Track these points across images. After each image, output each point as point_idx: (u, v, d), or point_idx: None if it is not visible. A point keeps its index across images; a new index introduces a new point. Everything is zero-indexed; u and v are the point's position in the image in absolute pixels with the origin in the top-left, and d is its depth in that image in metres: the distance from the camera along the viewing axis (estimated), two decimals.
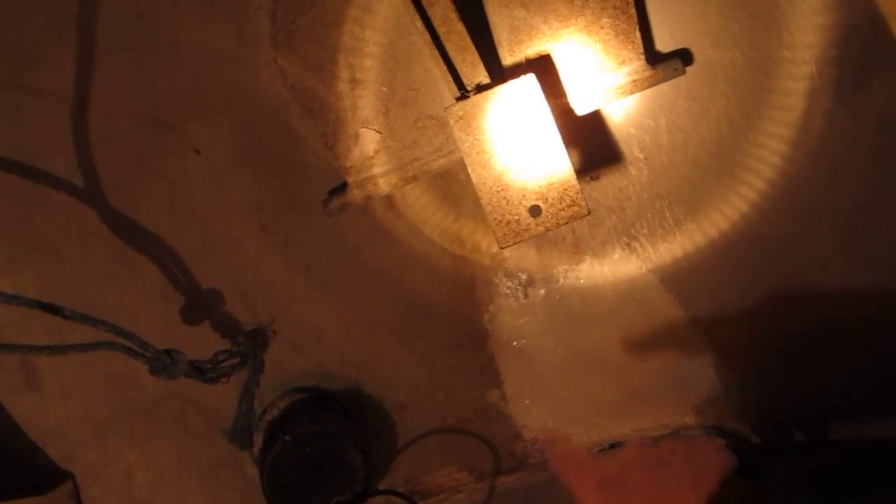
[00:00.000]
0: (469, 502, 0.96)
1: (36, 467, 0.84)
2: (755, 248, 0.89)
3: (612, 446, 0.95)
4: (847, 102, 0.83)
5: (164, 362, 0.73)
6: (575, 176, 0.78)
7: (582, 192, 0.78)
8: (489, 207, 0.80)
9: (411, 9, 0.77)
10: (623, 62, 0.81)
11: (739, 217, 0.89)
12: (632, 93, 0.82)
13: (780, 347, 0.91)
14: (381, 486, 0.94)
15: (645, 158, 0.88)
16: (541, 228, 0.79)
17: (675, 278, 0.91)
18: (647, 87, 0.82)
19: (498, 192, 0.79)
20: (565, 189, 0.78)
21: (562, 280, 0.92)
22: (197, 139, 0.85)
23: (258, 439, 0.89)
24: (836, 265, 0.89)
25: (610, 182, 0.89)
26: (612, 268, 0.91)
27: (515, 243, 0.81)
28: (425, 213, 0.89)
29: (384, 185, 0.85)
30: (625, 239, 0.90)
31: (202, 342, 0.86)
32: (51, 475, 0.84)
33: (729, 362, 0.92)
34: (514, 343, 0.93)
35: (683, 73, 0.81)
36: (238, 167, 0.86)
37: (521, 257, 0.91)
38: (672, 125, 0.87)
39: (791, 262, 0.89)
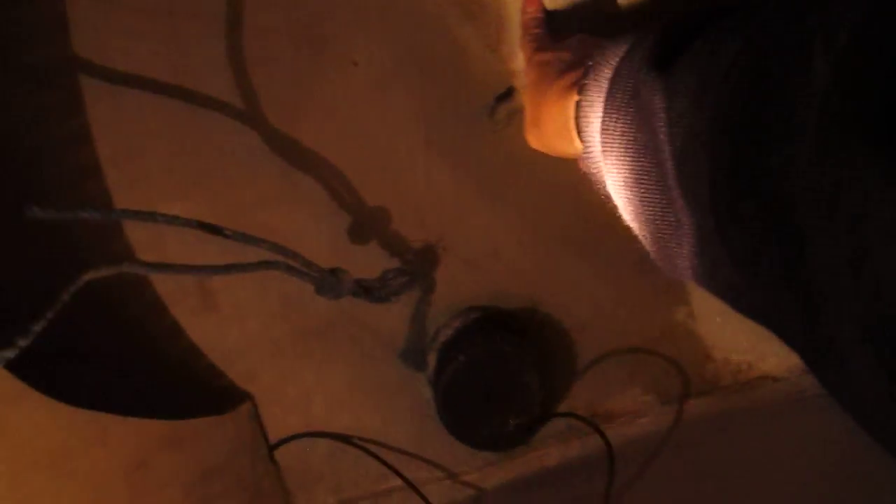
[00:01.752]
0: (655, 426, 0.90)
1: (218, 388, 0.86)
2: None
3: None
4: None
5: (329, 281, 0.71)
6: None
7: None
8: None
9: None
10: None
11: None
12: None
13: None
14: (561, 409, 0.90)
15: None
16: None
17: None
18: None
19: None
20: None
21: None
22: (354, 52, 0.81)
23: (432, 360, 0.87)
24: None
25: None
26: None
27: None
28: None
29: None
30: None
31: (371, 262, 0.84)
32: (232, 396, 0.86)
33: None
34: None
35: None
36: (399, 79, 0.82)
37: None
38: None
39: None
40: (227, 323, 0.86)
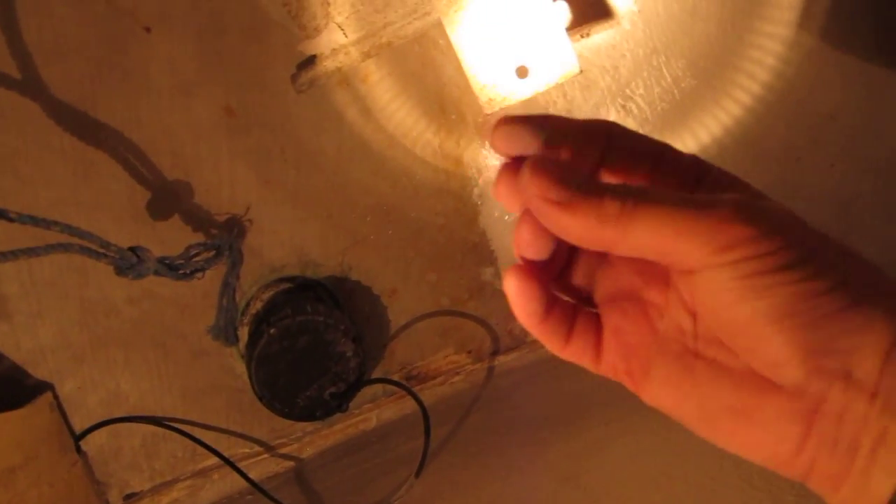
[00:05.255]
0: (468, 384, 0.95)
1: (22, 388, 0.83)
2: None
3: None
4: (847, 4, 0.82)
5: (129, 261, 0.69)
6: (564, 31, 0.73)
7: (572, 49, 0.73)
8: (472, 71, 0.76)
9: None
10: None
11: (732, 121, 0.86)
12: None
13: None
14: (376, 374, 0.92)
15: (639, 10, 0.83)
16: (529, 90, 0.75)
17: (675, 140, 0.87)
18: None
19: (481, 53, 0.75)
20: (554, 46, 0.74)
21: None
22: (146, 16, 0.79)
23: (243, 334, 0.87)
24: (836, 170, 0.88)
25: (602, 39, 0.84)
26: None
27: (502, 108, 0.77)
28: (404, 83, 0.84)
29: (356, 54, 0.80)
30: (619, 100, 0.86)
31: (174, 238, 0.83)
32: (33, 393, 0.82)
33: None
34: (507, 217, 0.90)
35: None
36: (195, 45, 0.80)
37: None
38: None
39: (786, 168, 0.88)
40: (19, 331, 0.82)
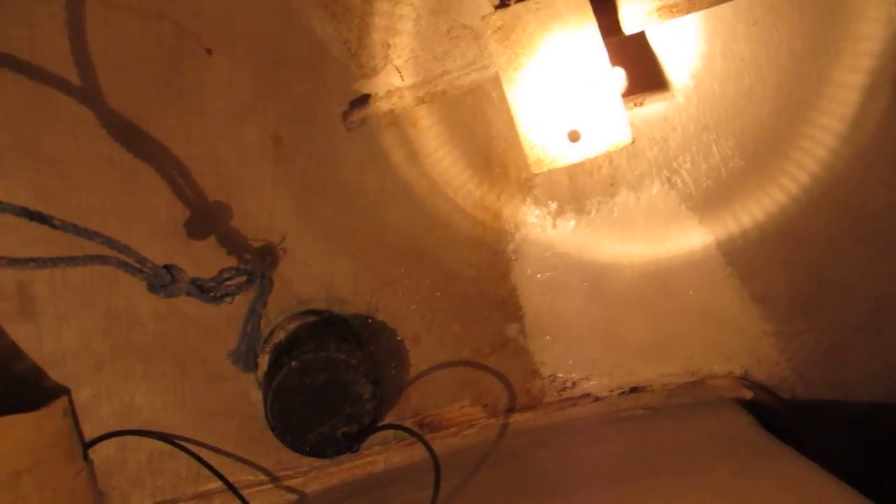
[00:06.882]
0: (480, 438, 0.94)
1: (39, 389, 0.83)
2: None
3: (634, 390, 0.93)
4: None
5: (163, 279, 0.70)
6: (621, 100, 0.74)
7: (626, 119, 0.74)
8: (524, 130, 0.76)
9: None
10: None
11: (776, 207, 0.87)
12: (687, 12, 0.77)
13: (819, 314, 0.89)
14: (390, 417, 0.92)
15: (695, 86, 0.84)
16: (579, 155, 0.75)
17: (716, 219, 0.87)
18: (705, 8, 0.77)
19: (534, 112, 0.75)
20: (608, 114, 0.74)
21: (594, 212, 0.88)
22: (209, 38, 0.80)
23: (263, 362, 0.87)
24: (874, 267, 0.88)
25: (654, 110, 0.85)
26: (649, 203, 0.87)
27: (550, 169, 0.77)
28: (453, 132, 0.85)
29: (410, 98, 0.81)
30: (665, 173, 0.86)
31: (209, 259, 0.84)
32: (49, 396, 0.83)
33: (764, 310, 0.89)
34: (539, 276, 0.89)
35: None
36: (252, 71, 0.82)
37: (552, 185, 0.87)
38: (728, 51, 0.82)
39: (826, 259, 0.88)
40: (43, 333, 0.83)
